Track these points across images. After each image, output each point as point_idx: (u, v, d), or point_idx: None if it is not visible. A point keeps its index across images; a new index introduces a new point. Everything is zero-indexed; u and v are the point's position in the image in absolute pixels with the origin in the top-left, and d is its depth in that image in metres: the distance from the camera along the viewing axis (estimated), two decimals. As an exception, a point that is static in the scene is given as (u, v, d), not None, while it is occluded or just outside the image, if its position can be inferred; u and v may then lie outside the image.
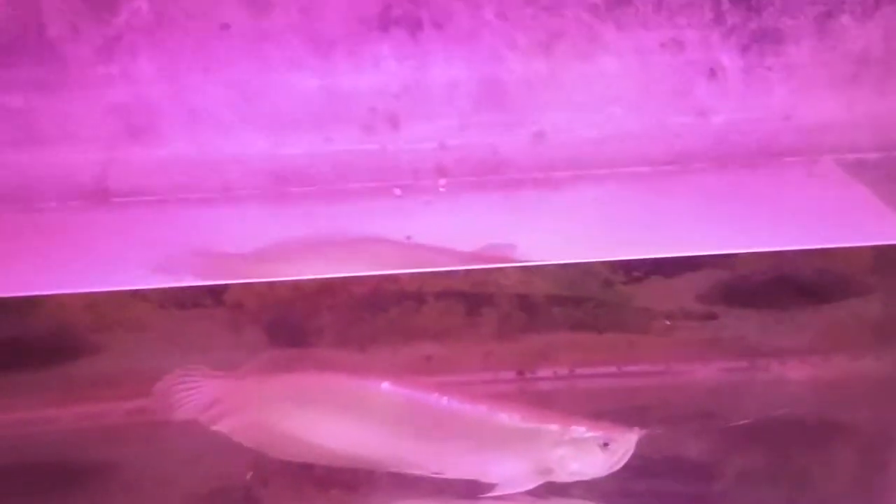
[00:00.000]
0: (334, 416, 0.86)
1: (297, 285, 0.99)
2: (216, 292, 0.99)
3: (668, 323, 0.99)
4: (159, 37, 0.86)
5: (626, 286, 0.99)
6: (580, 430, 0.84)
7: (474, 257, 0.91)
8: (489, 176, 0.91)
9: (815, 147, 0.92)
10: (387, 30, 0.88)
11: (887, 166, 0.92)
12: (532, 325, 1.00)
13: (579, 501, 0.86)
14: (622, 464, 0.84)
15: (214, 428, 0.88)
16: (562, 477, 0.84)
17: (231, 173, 0.89)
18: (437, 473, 0.85)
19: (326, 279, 0.98)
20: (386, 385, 0.85)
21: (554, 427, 0.84)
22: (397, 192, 0.91)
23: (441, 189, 0.91)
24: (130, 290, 0.97)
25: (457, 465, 0.85)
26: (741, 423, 0.88)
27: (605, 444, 0.83)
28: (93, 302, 0.98)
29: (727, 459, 0.89)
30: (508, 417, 0.84)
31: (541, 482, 0.84)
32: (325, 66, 0.88)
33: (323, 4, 0.87)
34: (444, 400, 0.85)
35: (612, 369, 1.01)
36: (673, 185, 0.92)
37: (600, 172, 0.91)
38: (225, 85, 0.88)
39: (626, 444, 0.83)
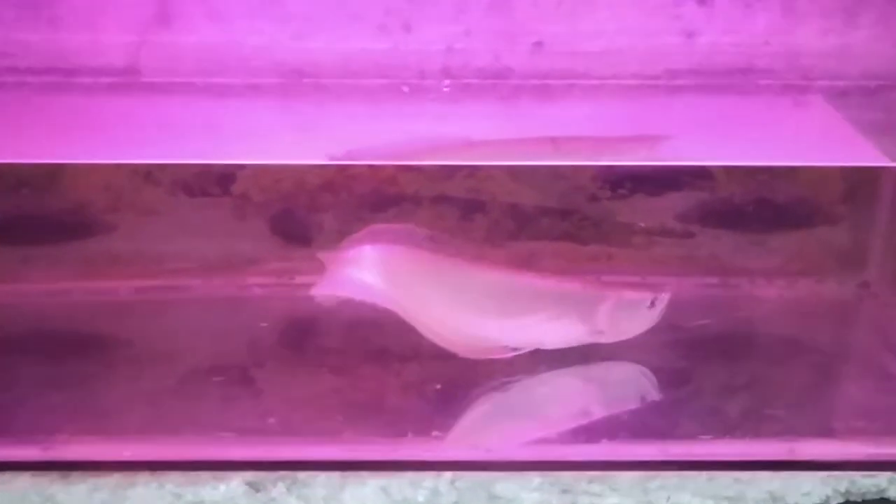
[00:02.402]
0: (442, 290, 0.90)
1: (300, 181, 1.00)
2: (224, 182, 1.01)
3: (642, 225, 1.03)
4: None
5: (610, 202, 1.02)
6: (631, 293, 0.89)
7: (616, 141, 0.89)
8: (490, 80, 0.94)
9: (789, 70, 0.95)
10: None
11: (856, 93, 0.95)
12: (519, 233, 1.03)
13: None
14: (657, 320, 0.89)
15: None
16: (609, 337, 0.90)
17: (252, 61, 0.92)
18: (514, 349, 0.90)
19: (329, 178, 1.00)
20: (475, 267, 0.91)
21: (610, 293, 0.89)
22: (405, 89, 0.93)
23: (445, 89, 0.93)
24: (144, 172, 1.00)
25: (526, 334, 0.89)
26: (701, 323, 0.93)
27: (652, 304, 0.89)
28: (108, 184, 1.01)
29: (687, 368, 0.92)
30: (571, 287, 0.90)
31: (591, 341, 0.90)
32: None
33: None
34: (521, 277, 0.91)
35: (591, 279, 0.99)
36: (657, 99, 0.95)
37: (591, 83, 0.94)
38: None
39: (663, 302, 0.89)
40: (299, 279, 1.03)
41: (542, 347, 0.90)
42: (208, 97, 0.94)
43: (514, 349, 0.89)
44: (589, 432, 0.85)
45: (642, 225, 1.03)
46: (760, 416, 0.86)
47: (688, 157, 0.92)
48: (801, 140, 0.92)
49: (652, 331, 0.91)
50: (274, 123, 0.92)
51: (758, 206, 1.03)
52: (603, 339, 0.90)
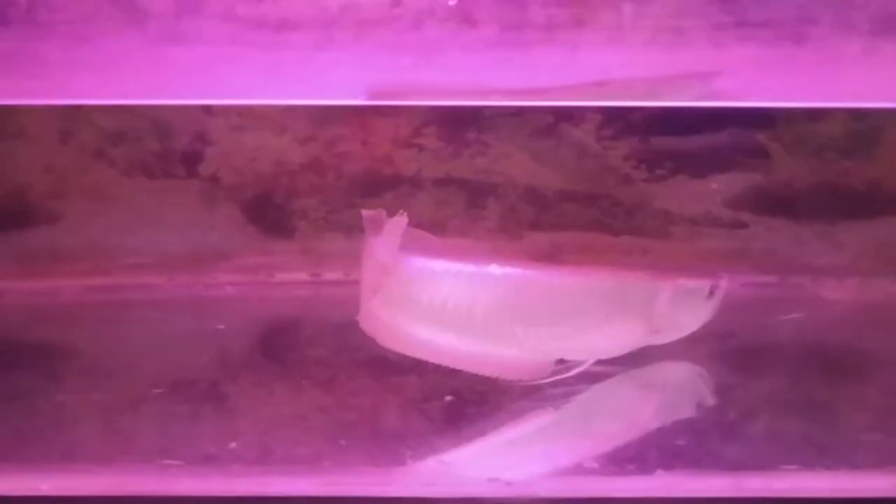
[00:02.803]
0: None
1: (279, 160, 0.97)
2: (189, 161, 0.97)
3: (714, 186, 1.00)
4: None
5: (647, 184, 0.97)
6: (688, 282, 0.86)
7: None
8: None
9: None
10: None
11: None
12: (539, 222, 1.00)
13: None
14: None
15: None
16: (666, 336, 0.86)
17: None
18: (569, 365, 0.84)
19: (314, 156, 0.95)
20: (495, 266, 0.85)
21: (664, 282, 0.85)
22: (396, 9, 0.84)
23: (450, 3, 0.84)
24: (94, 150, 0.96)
25: (580, 341, 0.84)
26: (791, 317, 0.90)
27: (711, 292, 0.86)
28: (51, 165, 0.97)
29: (750, 383, 0.85)
30: (619, 279, 0.85)
31: (648, 343, 0.85)
32: None
33: None
34: (560, 274, 0.85)
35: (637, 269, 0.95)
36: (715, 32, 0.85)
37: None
38: None
39: (721, 290, 0.86)
40: (279, 276, 1.02)
41: (600, 357, 0.85)
42: (132, 17, 0.84)
43: (569, 365, 0.84)
44: (638, 461, 0.78)
45: (714, 186, 0.97)
46: (855, 442, 0.79)
47: (750, 96, 0.86)
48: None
49: (704, 338, 0.86)
50: (221, 55, 0.84)
51: (823, 190, 0.99)
52: (658, 340, 0.85)
